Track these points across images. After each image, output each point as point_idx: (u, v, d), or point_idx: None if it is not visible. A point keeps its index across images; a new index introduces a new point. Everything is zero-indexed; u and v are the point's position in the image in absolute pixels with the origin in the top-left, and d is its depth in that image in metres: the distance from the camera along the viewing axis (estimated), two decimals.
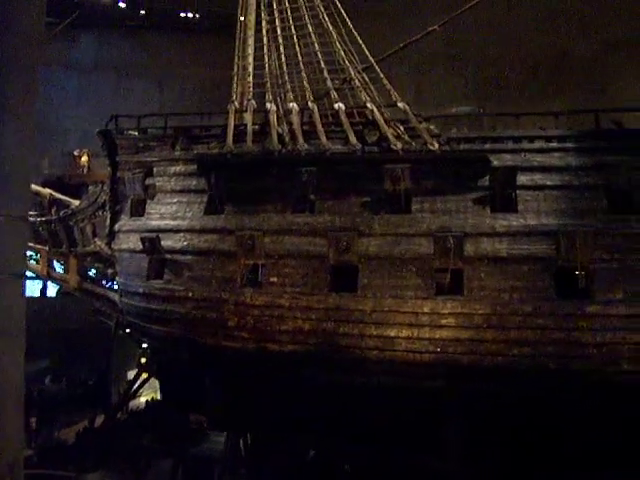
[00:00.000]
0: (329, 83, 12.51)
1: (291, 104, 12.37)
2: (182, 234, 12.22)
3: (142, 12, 30.22)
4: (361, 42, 12.82)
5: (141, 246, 12.52)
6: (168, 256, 12.32)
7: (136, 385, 19.32)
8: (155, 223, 12.69)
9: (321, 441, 12.58)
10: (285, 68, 12.90)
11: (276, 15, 13.30)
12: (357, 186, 11.34)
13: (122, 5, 29.76)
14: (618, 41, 23.92)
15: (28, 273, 15.29)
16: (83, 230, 15.55)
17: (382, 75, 12.67)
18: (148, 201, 13.17)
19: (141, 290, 12.76)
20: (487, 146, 11.13)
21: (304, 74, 12.69)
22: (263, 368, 11.35)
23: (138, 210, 13.36)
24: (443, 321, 10.35)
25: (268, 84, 12.74)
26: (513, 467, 10.73)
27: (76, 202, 16.08)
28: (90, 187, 15.89)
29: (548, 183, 10.63)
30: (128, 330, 16.00)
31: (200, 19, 30.51)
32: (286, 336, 11.14)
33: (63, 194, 17.09)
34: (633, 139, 10.63)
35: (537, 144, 10.94)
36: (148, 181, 13.17)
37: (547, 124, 12.00)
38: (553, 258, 10.13)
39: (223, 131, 12.52)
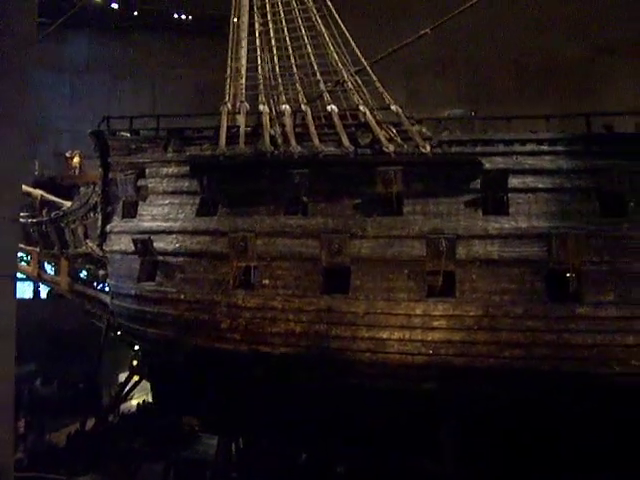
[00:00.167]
0: (322, 85, 12.53)
1: (284, 106, 12.39)
2: (174, 236, 12.18)
3: (135, 13, 30.11)
4: (354, 45, 12.85)
5: (133, 248, 12.47)
6: (160, 258, 12.28)
7: (127, 388, 19.20)
8: (147, 225, 12.65)
9: (313, 444, 12.57)
10: (278, 70, 12.91)
11: (269, 17, 13.32)
12: (349, 188, 11.35)
13: (114, 6, 29.67)
14: (608, 45, 24.11)
15: (19, 275, 15.21)
16: (74, 231, 15.47)
17: (375, 78, 12.70)
18: (140, 203, 13.13)
19: (133, 292, 12.72)
20: (479, 149, 11.19)
21: (297, 76, 12.71)
22: (255, 370, 11.34)
23: (130, 212, 13.31)
24: (435, 323, 10.37)
25: (261, 86, 12.75)
26: (506, 469, 10.76)
27: (68, 203, 16.02)
28: (82, 188, 15.81)
29: (539, 186, 10.69)
30: (119, 332, 15.94)
31: (193, 21, 30.50)
32: (278, 338, 11.13)
33: (55, 195, 17.02)
34: (624, 143, 10.72)
35: (528, 147, 11.00)
36: (140, 182, 13.13)
37: (538, 127, 12.07)
38: (544, 260, 10.18)
39: (216, 133, 12.51)
